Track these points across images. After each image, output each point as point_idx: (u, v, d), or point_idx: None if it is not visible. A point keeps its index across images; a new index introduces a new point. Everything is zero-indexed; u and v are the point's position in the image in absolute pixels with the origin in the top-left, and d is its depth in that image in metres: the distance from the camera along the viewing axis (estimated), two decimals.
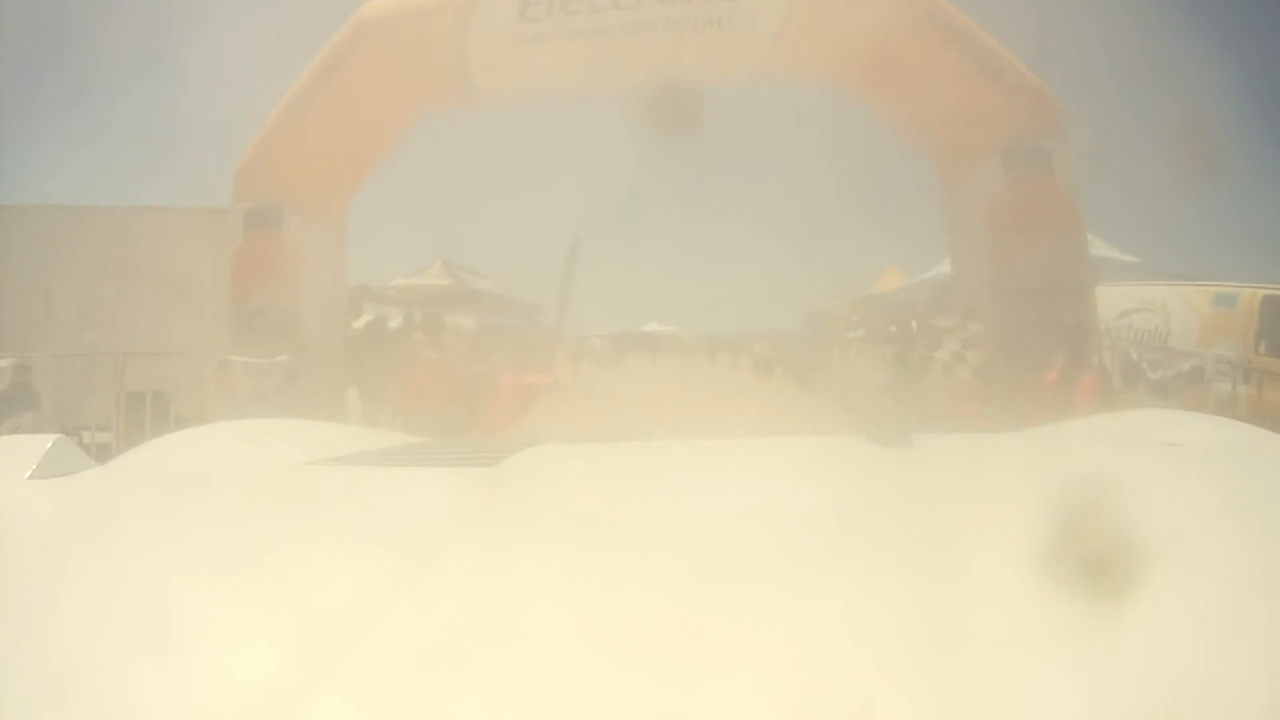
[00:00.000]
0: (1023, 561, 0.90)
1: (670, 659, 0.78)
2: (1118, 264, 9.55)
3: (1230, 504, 1.16)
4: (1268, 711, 0.69)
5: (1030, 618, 0.82)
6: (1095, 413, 4.92)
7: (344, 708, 0.73)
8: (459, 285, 12.36)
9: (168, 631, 0.85)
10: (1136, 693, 0.72)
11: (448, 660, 0.79)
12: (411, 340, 8.36)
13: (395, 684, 0.76)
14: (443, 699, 0.75)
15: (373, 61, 7.35)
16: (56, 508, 1.29)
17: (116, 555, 1.10)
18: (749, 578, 0.93)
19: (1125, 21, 7.39)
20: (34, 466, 1.33)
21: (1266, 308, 7.44)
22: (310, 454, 1.69)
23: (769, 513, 1.15)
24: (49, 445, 1.40)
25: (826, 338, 8.66)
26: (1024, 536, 0.97)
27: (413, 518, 1.20)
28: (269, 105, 7.57)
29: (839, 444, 1.77)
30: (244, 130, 7.60)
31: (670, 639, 0.81)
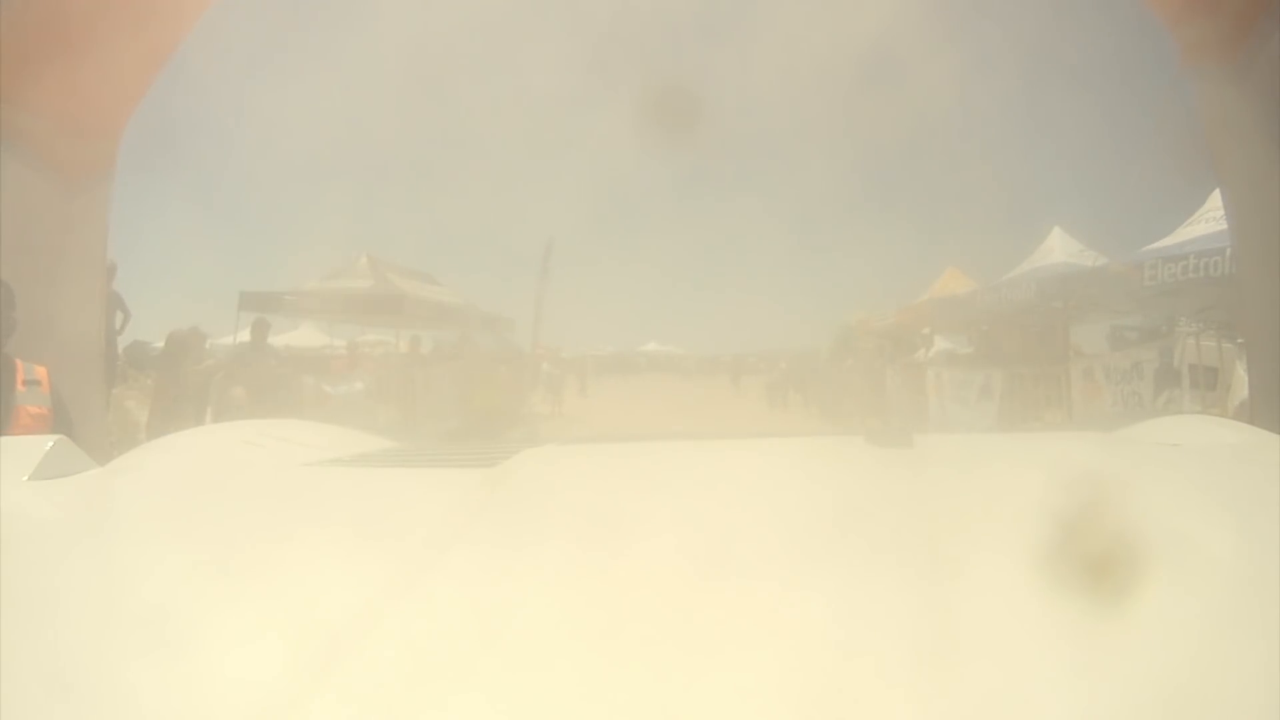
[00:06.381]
0: (1021, 562, 0.90)
1: (670, 659, 0.78)
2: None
3: (1228, 505, 1.16)
4: (1266, 713, 0.70)
5: (1029, 618, 0.82)
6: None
7: (344, 709, 0.73)
8: (382, 289, 10.76)
9: (168, 632, 0.86)
10: (1135, 693, 0.72)
11: (448, 661, 0.79)
12: None
13: (396, 685, 0.76)
14: (443, 700, 0.75)
15: None
16: (56, 508, 1.29)
17: (116, 556, 1.10)
18: (749, 578, 0.93)
19: None
20: (34, 467, 1.33)
21: None
22: (311, 454, 1.70)
23: (769, 512, 1.15)
24: (49, 445, 1.40)
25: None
26: (1022, 537, 0.97)
27: (413, 519, 1.21)
28: None
29: (839, 444, 1.78)
30: None
31: (670, 639, 0.81)
